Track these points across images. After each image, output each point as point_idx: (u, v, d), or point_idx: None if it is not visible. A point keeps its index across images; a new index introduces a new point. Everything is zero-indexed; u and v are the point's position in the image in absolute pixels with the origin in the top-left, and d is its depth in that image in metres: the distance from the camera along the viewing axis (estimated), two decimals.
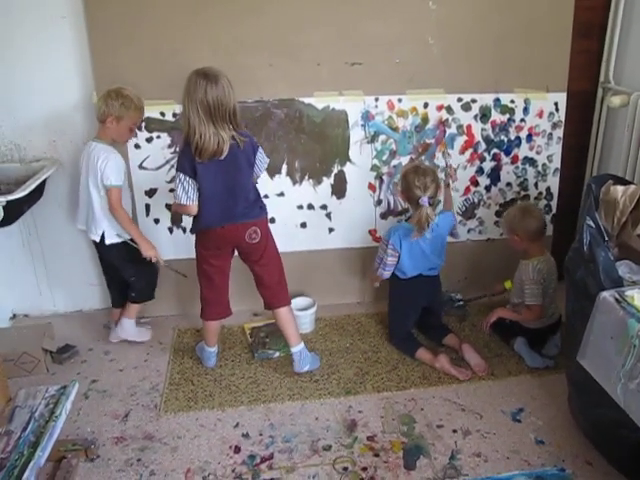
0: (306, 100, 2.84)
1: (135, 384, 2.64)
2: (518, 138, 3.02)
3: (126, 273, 2.74)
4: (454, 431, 2.34)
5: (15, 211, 2.58)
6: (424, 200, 2.53)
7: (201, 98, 2.19)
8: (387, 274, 2.76)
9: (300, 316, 2.93)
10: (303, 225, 3.05)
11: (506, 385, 2.59)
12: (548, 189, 3.14)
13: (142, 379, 2.68)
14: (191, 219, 2.46)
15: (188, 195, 2.32)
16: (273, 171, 2.91)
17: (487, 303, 3.12)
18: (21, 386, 2.21)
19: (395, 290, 2.86)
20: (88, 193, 2.59)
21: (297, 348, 2.62)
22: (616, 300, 1.71)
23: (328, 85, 2.82)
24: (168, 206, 2.93)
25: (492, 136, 3.00)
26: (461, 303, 3.12)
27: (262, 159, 2.43)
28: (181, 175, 2.30)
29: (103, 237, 2.63)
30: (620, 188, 2.09)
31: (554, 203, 3.17)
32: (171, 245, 3.00)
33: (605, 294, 1.75)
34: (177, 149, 2.81)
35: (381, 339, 2.94)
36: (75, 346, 2.86)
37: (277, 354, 2.80)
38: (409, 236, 2.62)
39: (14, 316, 3.16)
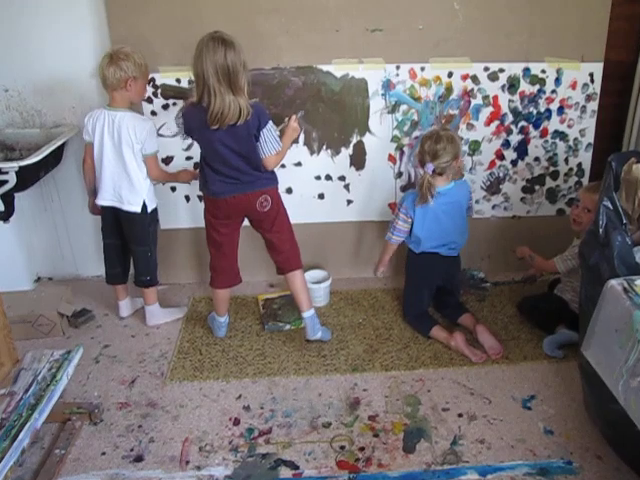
0: (324, 68, 2.74)
1: (145, 351, 2.67)
2: (548, 110, 2.85)
3: (147, 247, 2.69)
4: (459, 415, 2.27)
5: (30, 177, 2.61)
6: (428, 167, 2.48)
7: (221, 62, 2.14)
8: (395, 239, 2.69)
9: (314, 289, 2.89)
10: (321, 196, 2.98)
11: (520, 370, 2.49)
12: (579, 165, 2.96)
13: (152, 346, 2.70)
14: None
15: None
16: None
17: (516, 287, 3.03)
18: (37, 347, 2.26)
19: (410, 266, 2.78)
20: (122, 165, 2.52)
21: (309, 313, 2.59)
22: (624, 289, 1.60)
23: (347, 52, 2.72)
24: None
25: (520, 108, 2.84)
26: (487, 285, 3.00)
27: (270, 139, 2.33)
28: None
29: (145, 206, 2.61)
30: None
31: (585, 180, 2.99)
32: (189, 213, 3.00)
33: (613, 282, 1.64)
34: None
35: (395, 316, 2.87)
36: (91, 311, 2.91)
37: (288, 327, 2.77)
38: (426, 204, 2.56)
39: (38, 279, 3.22)
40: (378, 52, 2.72)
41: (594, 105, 2.85)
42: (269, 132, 2.32)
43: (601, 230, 1.83)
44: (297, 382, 2.46)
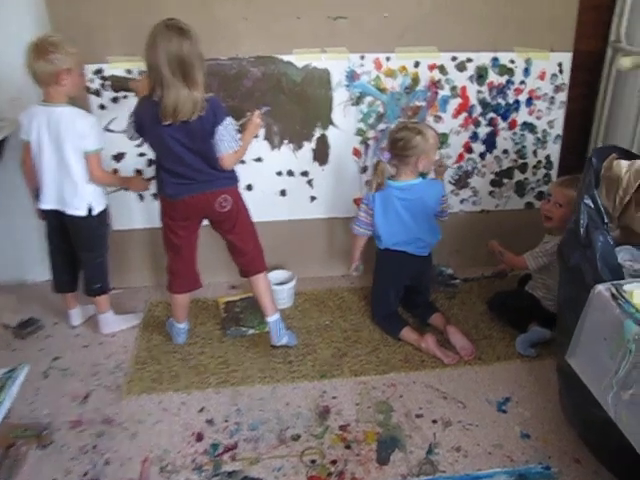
0: (285, 58, 2.60)
1: (99, 362, 2.49)
2: (517, 102, 2.77)
3: (96, 253, 2.50)
4: (434, 421, 2.17)
5: None
6: (384, 154, 2.43)
7: (176, 52, 1.98)
8: (357, 230, 2.59)
9: (278, 291, 2.75)
10: (282, 193, 2.84)
11: (493, 371, 2.42)
12: (548, 157, 2.90)
13: (107, 356, 2.52)
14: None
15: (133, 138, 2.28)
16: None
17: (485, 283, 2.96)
18: None
19: (377, 264, 2.68)
20: (63, 165, 2.31)
21: (273, 317, 2.46)
22: (612, 295, 1.51)
23: (309, 41, 2.58)
24: (139, 172, 2.73)
25: (489, 99, 2.76)
26: (457, 282, 2.92)
27: (226, 137, 2.15)
28: (130, 121, 2.24)
29: (90, 209, 2.39)
30: (625, 163, 1.86)
31: (554, 172, 2.93)
32: (142, 213, 2.82)
33: (600, 287, 1.55)
34: None
35: (363, 317, 2.76)
36: (39, 320, 2.71)
37: (251, 331, 2.63)
38: (387, 194, 2.46)
39: None
40: (341, 41, 2.59)
41: (563, 96, 2.78)
42: (225, 129, 2.15)
43: (582, 230, 1.74)
44: (263, 391, 2.32)
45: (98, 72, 2.55)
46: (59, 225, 2.44)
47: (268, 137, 2.72)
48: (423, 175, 2.51)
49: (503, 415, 2.20)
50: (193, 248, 2.40)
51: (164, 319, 2.71)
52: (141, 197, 2.79)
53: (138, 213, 2.81)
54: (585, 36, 2.70)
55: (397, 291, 2.64)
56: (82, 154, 2.30)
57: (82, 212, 2.38)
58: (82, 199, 2.37)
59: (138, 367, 2.44)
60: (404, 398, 2.28)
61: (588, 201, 1.75)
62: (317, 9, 2.53)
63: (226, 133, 2.15)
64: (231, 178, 2.29)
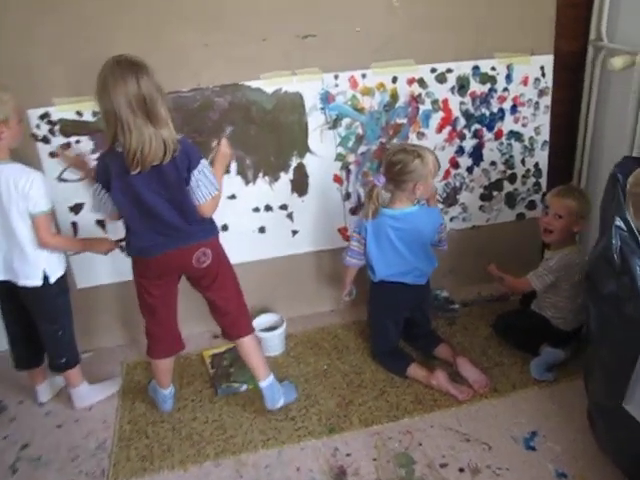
0: (253, 84, 2.37)
1: (77, 444, 2.19)
2: (501, 110, 2.62)
3: (57, 325, 2.19)
4: (461, 470, 1.98)
5: None
6: (378, 177, 2.23)
7: (134, 92, 1.73)
8: (349, 261, 2.39)
9: (267, 338, 2.52)
10: (261, 230, 2.61)
11: (512, 403, 2.24)
12: (536, 165, 2.76)
13: (86, 436, 2.23)
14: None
15: (104, 208, 1.97)
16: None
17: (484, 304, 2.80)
18: None
19: (372, 297, 2.48)
20: (9, 230, 2.01)
21: (266, 382, 2.21)
22: None
23: (277, 64, 2.36)
24: (100, 222, 2.46)
25: (472, 110, 2.59)
26: (456, 306, 2.75)
27: (204, 182, 1.91)
28: (96, 185, 1.93)
29: (46, 277, 2.09)
30: None
31: (544, 180, 2.80)
32: (109, 266, 2.53)
33: None
34: None
35: (363, 356, 2.55)
36: (1, 400, 2.39)
37: (244, 387, 2.38)
38: (380, 223, 2.26)
39: None
40: (313, 61, 2.38)
41: (547, 100, 2.65)
42: (202, 174, 1.90)
43: (616, 255, 1.58)
44: (268, 457, 2.08)
45: (44, 117, 2.27)
46: (12, 297, 2.14)
47: (241, 172, 2.49)
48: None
49: (533, 453, 2.02)
50: (171, 308, 2.14)
51: (145, 382, 2.44)
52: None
53: (104, 267, 2.52)
54: (565, 36, 2.57)
55: (396, 324, 2.44)
56: (28, 217, 2.01)
57: (36, 282, 2.08)
58: (35, 267, 2.07)
59: (123, 445, 2.16)
60: (424, 446, 2.08)
61: (620, 223, 1.58)
62: (283, 28, 2.31)
63: (203, 177, 1.91)
64: (210, 229, 2.04)
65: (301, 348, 2.62)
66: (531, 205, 2.81)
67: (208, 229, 2.03)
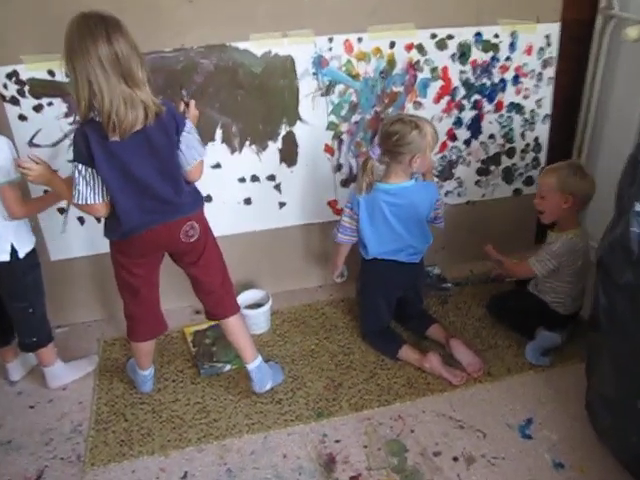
0: (241, 45, 2.20)
1: (51, 426, 2.07)
2: (503, 81, 2.48)
3: (26, 302, 2.04)
4: (454, 459, 1.90)
5: None
6: (374, 149, 2.09)
7: (106, 52, 1.56)
8: (341, 238, 2.26)
9: (252, 316, 2.41)
10: (247, 201, 2.47)
11: (507, 387, 2.17)
12: (536, 139, 2.64)
13: (60, 417, 2.11)
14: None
15: (94, 191, 1.71)
16: (205, 138, 2.28)
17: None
18: None
19: (362, 275, 2.36)
20: None
21: (254, 364, 2.10)
22: None
23: (268, 24, 2.19)
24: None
25: (472, 79, 2.45)
26: (448, 285, 2.65)
27: (194, 143, 1.79)
28: (79, 166, 1.68)
29: (15, 252, 1.95)
30: None
31: (543, 155, 2.68)
32: (84, 238, 2.39)
33: None
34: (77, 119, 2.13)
35: (352, 335, 2.44)
36: None
37: (228, 367, 2.27)
38: (374, 198, 2.14)
39: None
40: (305, 22, 2.21)
41: (551, 72, 2.51)
42: (190, 133, 1.78)
43: (634, 244, 1.47)
44: (253, 442, 1.99)
45: (12, 75, 2.08)
46: None
47: (226, 139, 2.33)
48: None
49: (529, 442, 1.96)
50: (154, 287, 2.01)
51: (123, 360, 2.33)
52: (81, 220, 2.35)
53: (79, 239, 2.37)
54: (572, 3, 2.42)
55: (388, 304, 2.34)
56: None
57: (4, 257, 1.93)
58: (2, 240, 1.92)
59: (100, 428, 2.05)
60: (416, 433, 2.00)
61: (639, 208, 1.47)
62: None
63: (192, 138, 1.78)
64: (197, 200, 1.90)
65: (287, 326, 2.51)
66: (529, 181, 2.70)
67: (195, 200, 1.88)
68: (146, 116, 1.65)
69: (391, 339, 2.33)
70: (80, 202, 1.71)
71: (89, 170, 1.68)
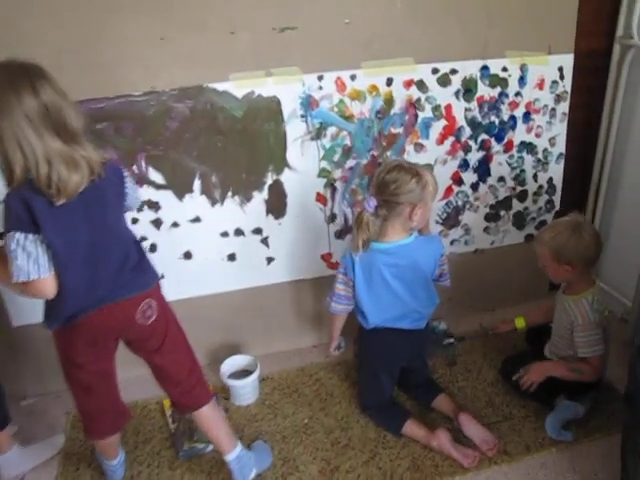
0: (219, 86, 1.96)
1: None
2: (513, 118, 2.24)
3: None
4: None
5: None
6: (369, 201, 1.81)
7: (33, 103, 1.30)
8: (336, 308, 1.99)
9: (238, 386, 2.15)
10: (231, 257, 2.22)
11: (526, 470, 1.90)
12: (550, 181, 2.40)
13: None
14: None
15: (38, 263, 1.41)
16: (182, 190, 2.05)
17: (486, 337, 2.45)
18: None
19: (363, 346, 2.10)
20: None
21: (232, 455, 1.80)
22: None
23: (250, 62, 1.95)
24: None
25: (479, 118, 2.21)
26: (451, 341, 2.39)
27: (133, 193, 1.60)
28: (17, 234, 1.39)
29: None
30: None
31: (557, 198, 2.44)
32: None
33: None
34: None
35: (350, 406, 2.18)
36: None
37: (210, 447, 2.00)
38: (370, 260, 1.87)
39: None
40: (292, 59, 1.98)
41: (565, 107, 2.28)
42: (131, 185, 1.59)
43: None
44: None
45: None
46: None
47: (206, 191, 2.08)
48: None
49: None
50: (110, 378, 1.71)
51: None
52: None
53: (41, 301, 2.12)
54: (586, 32, 2.19)
55: (392, 376, 2.08)
56: None
57: None
58: None
59: None
60: None
61: None
62: (257, 18, 1.90)
63: (131, 189, 1.59)
64: (152, 271, 1.62)
65: (278, 395, 2.25)
66: (542, 225, 2.45)
67: (150, 271, 1.61)
68: (91, 171, 1.41)
69: (394, 413, 2.06)
70: (22, 279, 1.40)
71: (30, 237, 1.38)
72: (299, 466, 1.95)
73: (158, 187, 2.03)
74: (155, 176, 2.01)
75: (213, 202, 2.11)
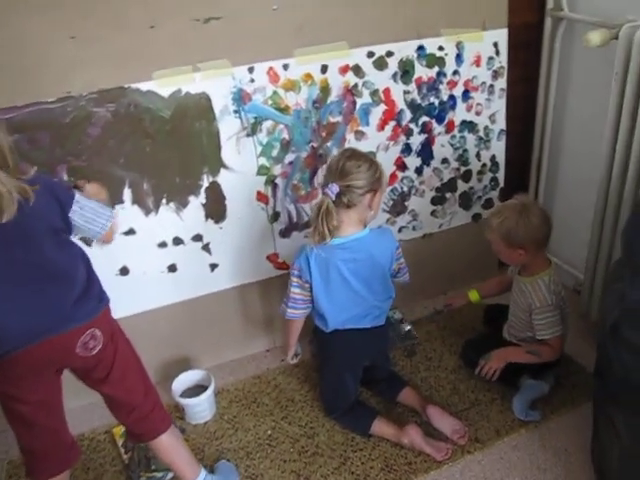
0: (142, 86, 1.79)
1: None
2: (452, 97, 2.18)
3: None
4: None
5: None
6: (331, 187, 1.69)
7: None
8: (292, 314, 1.88)
9: (194, 404, 2.02)
10: (172, 268, 2.06)
11: (499, 455, 1.88)
12: (493, 158, 2.36)
13: None
14: None
15: None
16: (111, 201, 1.85)
17: (441, 324, 2.41)
18: None
19: (323, 350, 2.02)
20: None
21: None
22: None
23: (174, 58, 1.79)
24: None
25: (419, 100, 2.14)
26: (408, 329, 2.33)
27: (91, 213, 1.42)
28: None
29: None
30: None
31: (501, 175, 2.41)
32: None
33: None
34: None
35: (313, 410, 2.09)
36: None
37: (169, 476, 1.86)
38: (326, 258, 1.77)
39: None
40: (219, 51, 1.83)
41: (502, 83, 2.23)
42: (84, 208, 1.41)
43: None
44: None
45: None
46: None
47: (138, 200, 1.91)
48: None
49: None
50: (56, 409, 1.55)
51: None
52: None
53: None
54: (518, 6, 2.14)
55: (356, 377, 2.00)
56: None
57: None
58: None
59: None
60: None
61: None
62: (178, 10, 1.74)
63: (88, 209, 1.42)
64: (97, 297, 1.46)
65: (236, 408, 2.12)
66: (488, 204, 2.42)
67: (95, 298, 1.45)
68: (9, 202, 1.23)
69: (361, 414, 1.98)
70: None
71: None
72: None
73: None
74: None
75: (147, 211, 1.94)
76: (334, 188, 1.70)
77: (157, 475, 1.87)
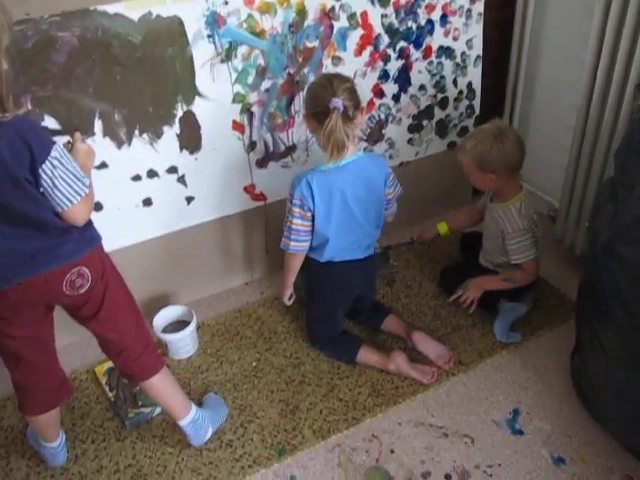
0: (110, 8, 1.67)
1: None
2: (430, 22, 2.12)
3: None
4: (447, 477, 1.66)
5: None
6: (336, 101, 1.62)
7: None
8: (295, 247, 1.83)
9: (176, 340, 2.00)
10: (147, 202, 1.99)
11: (483, 376, 1.94)
12: (469, 85, 2.33)
13: None
14: None
15: None
16: (81, 134, 1.77)
17: (418, 252, 2.42)
18: None
19: (315, 283, 1.99)
20: None
21: (186, 420, 1.68)
22: None
23: None
24: None
25: (396, 24, 2.07)
26: (392, 261, 2.34)
27: (63, 180, 1.28)
28: None
29: None
30: None
31: (477, 102, 2.39)
32: None
33: None
34: None
35: (297, 341, 2.09)
36: None
37: (158, 410, 1.86)
38: (329, 186, 1.74)
39: None
40: None
41: (480, 6, 2.18)
42: (57, 168, 1.26)
43: None
44: None
45: None
46: None
47: (109, 132, 1.82)
48: None
49: (522, 438, 1.75)
50: (46, 344, 1.54)
51: (22, 427, 1.84)
52: None
53: None
54: None
55: (345, 309, 2.01)
56: None
57: None
58: None
59: None
60: (397, 453, 1.72)
61: None
62: None
63: (62, 172, 1.27)
64: (85, 238, 1.41)
65: (219, 341, 2.11)
66: (463, 132, 2.41)
67: (81, 240, 1.39)
68: None
69: (346, 342, 2.00)
70: None
71: None
72: (257, 412, 1.86)
73: (53, 133, 1.73)
74: (47, 121, 1.72)
75: (119, 144, 1.85)
76: (339, 101, 1.63)
77: (145, 410, 1.86)
